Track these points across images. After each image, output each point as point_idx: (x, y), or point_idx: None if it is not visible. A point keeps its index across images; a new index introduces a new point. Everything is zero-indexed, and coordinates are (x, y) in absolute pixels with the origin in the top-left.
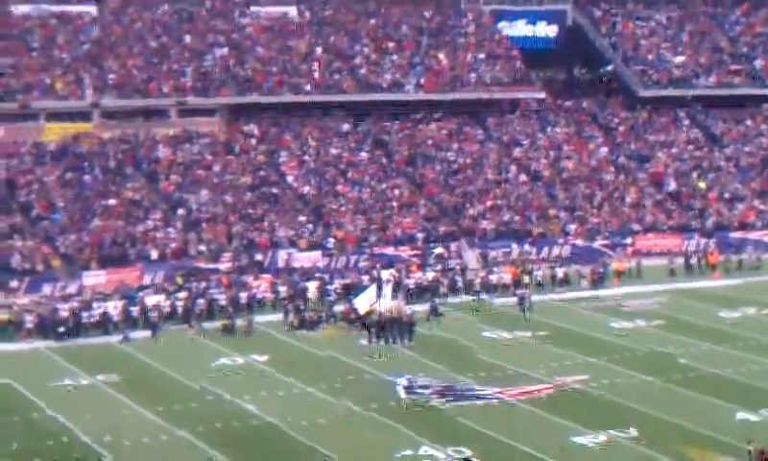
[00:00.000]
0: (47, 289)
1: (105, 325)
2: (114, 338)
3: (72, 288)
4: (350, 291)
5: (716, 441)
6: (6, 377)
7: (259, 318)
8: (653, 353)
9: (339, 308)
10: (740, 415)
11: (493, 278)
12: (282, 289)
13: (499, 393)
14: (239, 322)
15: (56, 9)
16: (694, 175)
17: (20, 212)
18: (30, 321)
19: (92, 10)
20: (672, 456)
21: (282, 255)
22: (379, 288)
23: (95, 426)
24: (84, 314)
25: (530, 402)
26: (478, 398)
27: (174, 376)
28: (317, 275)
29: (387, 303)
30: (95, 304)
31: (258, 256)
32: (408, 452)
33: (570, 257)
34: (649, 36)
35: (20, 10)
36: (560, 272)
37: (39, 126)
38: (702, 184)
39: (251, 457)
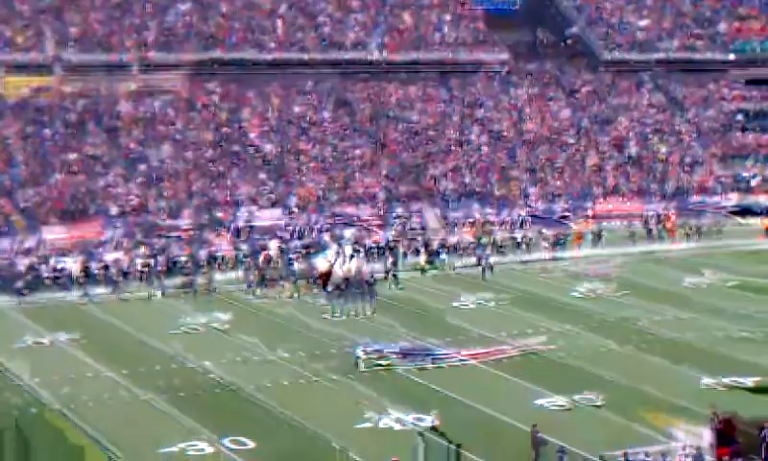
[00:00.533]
0: (6, 244)
1: (64, 281)
2: (74, 294)
3: (31, 243)
4: (311, 250)
5: (677, 406)
6: None
7: (220, 277)
8: (614, 317)
9: (300, 266)
10: (702, 380)
11: (453, 238)
12: (243, 247)
13: (462, 355)
14: (199, 279)
15: None
16: (655, 139)
17: None
18: None
19: None
20: (633, 420)
21: (243, 213)
22: (340, 247)
23: (56, 384)
24: (43, 269)
25: (493, 365)
26: (440, 360)
27: (135, 335)
28: (278, 233)
29: (347, 263)
30: (53, 260)
31: (219, 214)
32: (372, 415)
33: (531, 220)
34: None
35: None
36: (520, 235)
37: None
38: (663, 148)
39: (215, 418)
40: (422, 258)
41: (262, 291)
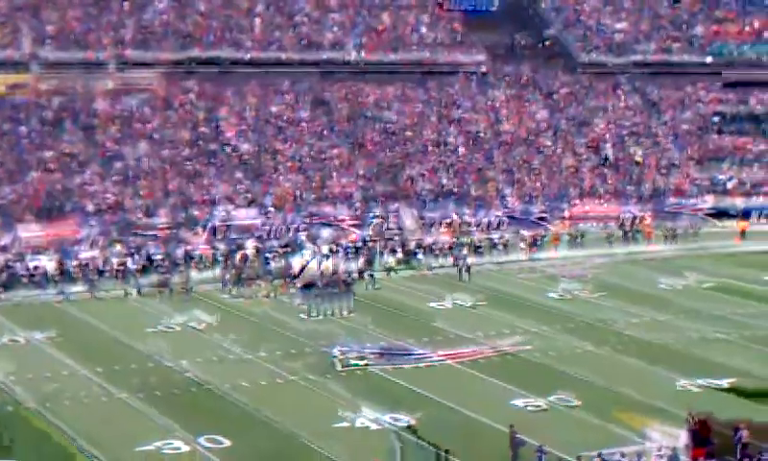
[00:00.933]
0: None
1: (39, 279)
2: (50, 292)
3: (6, 240)
4: (288, 249)
5: (653, 407)
6: None
7: (196, 275)
8: (590, 319)
9: (276, 266)
10: (678, 382)
11: (430, 239)
12: (220, 246)
13: (438, 355)
14: (175, 278)
15: None
16: (632, 143)
17: None
18: None
19: None
20: (609, 421)
21: (220, 212)
22: (316, 246)
23: (31, 382)
24: (19, 267)
25: (469, 365)
26: (417, 359)
27: (111, 334)
28: (255, 233)
29: (323, 263)
30: (29, 258)
31: (196, 213)
32: (348, 414)
33: (508, 221)
34: (591, 2)
35: None
36: (497, 236)
37: None
38: (639, 158)
39: (190, 417)
40: (392, 259)
41: (238, 290)
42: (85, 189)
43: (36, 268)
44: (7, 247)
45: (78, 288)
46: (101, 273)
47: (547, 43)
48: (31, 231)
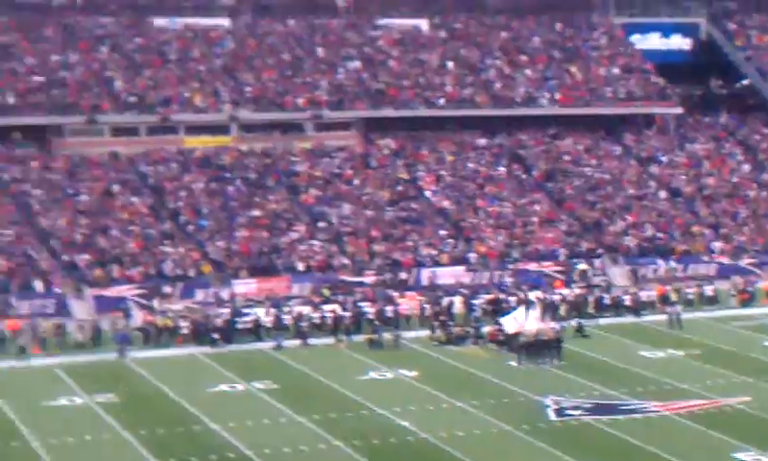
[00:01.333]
0: (200, 295)
1: (257, 331)
2: (266, 344)
3: (224, 294)
4: (496, 307)
5: None
6: (164, 384)
7: (405, 334)
8: None
9: (486, 329)
10: None
11: (643, 295)
12: (427, 306)
13: (654, 407)
14: (386, 335)
15: (190, 21)
16: None
17: (169, 219)
18: (185, 327)
19: (225, 22)
20: None
21: (426, 273)
22: (527, 309)
23: (255, 435)
24: (237, 320)
25: (686, 417)
26: (632, 412)
27: (325, 383)
28: (461, 290)
29: (534, 325)
30: (246, 311)
31: (402, 275)
32: None
33: (717, 275)
34: None
35: (156, 23)
36: (708, 289)
37: (179, 139)
38: None
39: None
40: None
41: (448, 348)
42: (294, 247)
43: (254, 320)
44: (224, 301)
45: (291, 341)
46: (313, 328)
47: (742, 87)
48: (245, 286)
